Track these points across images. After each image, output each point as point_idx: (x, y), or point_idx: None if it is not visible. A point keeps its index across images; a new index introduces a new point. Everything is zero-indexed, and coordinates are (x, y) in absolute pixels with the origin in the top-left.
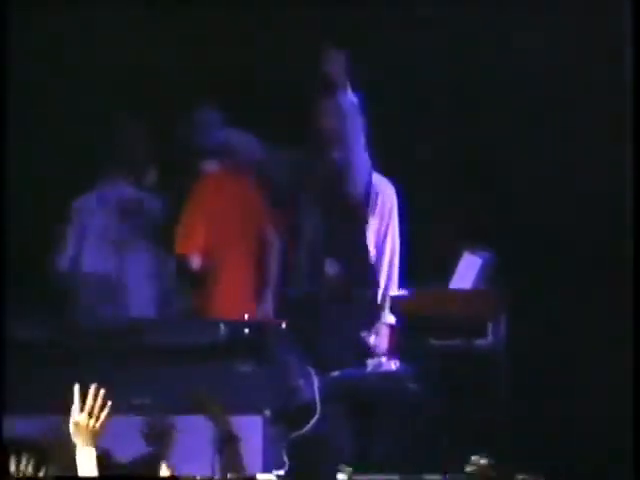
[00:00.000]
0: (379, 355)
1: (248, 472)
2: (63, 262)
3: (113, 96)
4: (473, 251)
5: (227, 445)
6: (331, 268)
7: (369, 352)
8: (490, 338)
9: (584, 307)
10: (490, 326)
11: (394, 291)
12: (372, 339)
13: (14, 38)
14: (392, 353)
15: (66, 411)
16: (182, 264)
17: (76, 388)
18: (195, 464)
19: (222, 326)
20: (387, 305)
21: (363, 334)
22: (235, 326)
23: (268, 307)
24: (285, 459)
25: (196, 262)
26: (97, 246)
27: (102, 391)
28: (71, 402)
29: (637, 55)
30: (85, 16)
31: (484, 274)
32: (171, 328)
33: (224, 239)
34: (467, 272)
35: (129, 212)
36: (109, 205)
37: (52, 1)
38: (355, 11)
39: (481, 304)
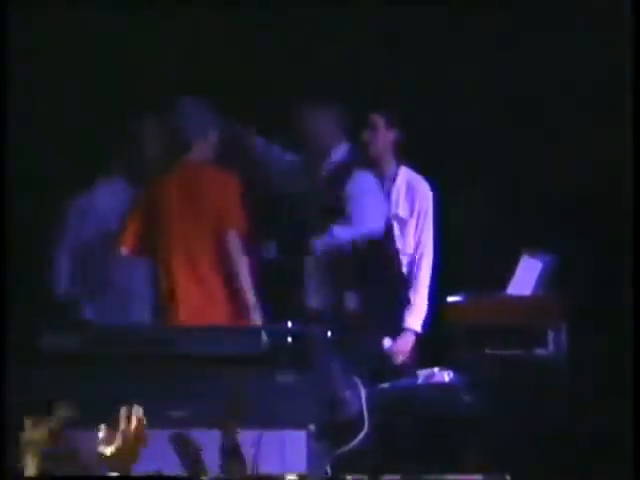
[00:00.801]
0: (396, 362)
1: None
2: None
3: (113, 96)
4: (532, 254)
5: (231, 455)
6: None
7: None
8: (551, 347)
9: None
10: (551, 335)
11: (422, 295)
12: (388, 343)
13: (14, 38)
14: (410, 360)
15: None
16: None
17: (123, 411)
18: None
19: (264, 334)
20: (412, 310)
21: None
22: (277, 335)
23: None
24: (328, 470)
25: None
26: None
27: (138, 411)
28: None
29: (637, 55)
30: (85, 16)
31: (545, 279)
32: (209, 337)
33: (174, 233)
34: (526, 277)
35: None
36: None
37: (52, 1)
38: (356, 11)
39: (541, 311)
